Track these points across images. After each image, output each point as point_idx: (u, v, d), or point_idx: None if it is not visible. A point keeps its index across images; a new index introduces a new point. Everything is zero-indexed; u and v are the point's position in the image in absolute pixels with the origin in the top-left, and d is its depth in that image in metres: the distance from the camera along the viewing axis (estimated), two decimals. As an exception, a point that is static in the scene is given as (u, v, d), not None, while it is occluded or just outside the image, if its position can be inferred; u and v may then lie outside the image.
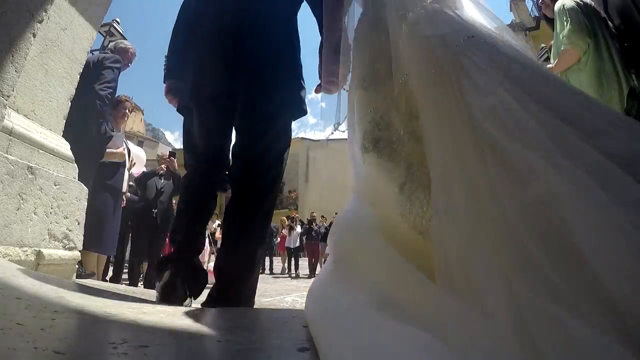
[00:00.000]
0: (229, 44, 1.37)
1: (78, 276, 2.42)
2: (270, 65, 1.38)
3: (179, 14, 1.60)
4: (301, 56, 1.54)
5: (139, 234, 4.30)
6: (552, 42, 2.11)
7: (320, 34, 1.38)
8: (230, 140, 1.49)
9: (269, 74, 1.38)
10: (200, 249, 1.54)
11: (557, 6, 1.98)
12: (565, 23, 1.90)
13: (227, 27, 1.40)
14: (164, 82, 1.57)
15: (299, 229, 10.77)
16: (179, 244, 1.47)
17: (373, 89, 0.95)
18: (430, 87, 0.78)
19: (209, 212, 1.53)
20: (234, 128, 1.46)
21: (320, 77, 1.35)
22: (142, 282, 4.56)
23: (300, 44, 1.53)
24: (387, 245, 0.76)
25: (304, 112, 1.49)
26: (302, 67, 1.53)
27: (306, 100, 1.53)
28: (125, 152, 3.38)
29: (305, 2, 1.55)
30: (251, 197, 1.39)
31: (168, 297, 1.34)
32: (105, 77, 2.46)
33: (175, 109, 1.54)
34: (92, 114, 2.41)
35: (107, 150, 3.04)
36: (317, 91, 1.42)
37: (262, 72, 1.37)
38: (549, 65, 2.16)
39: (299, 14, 1.58)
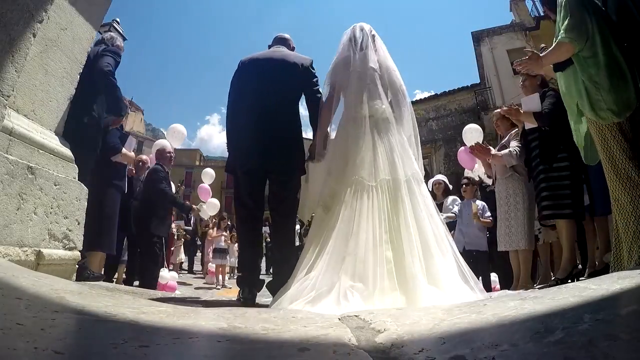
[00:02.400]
0: (259, 136, 2.15)
1: (86, 278, 2.42)
2: (284, 148, 2.19)
3: (227, 105, 2.37)
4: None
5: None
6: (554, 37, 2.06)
7: (312, 127, 2.36)
8: (264, 190, 2.28)
9: (284, 154, 2.20)
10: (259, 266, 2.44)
11: None
12: (566, 15, 1.85)
13: (256, 125, 2.18)
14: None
15: (297, 227, 10.82)
16: (248, 267, 2.25)
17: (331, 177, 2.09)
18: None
19: (260, 239, 2.38)
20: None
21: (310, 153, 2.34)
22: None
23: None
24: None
25: (304, 172, 2.32)
26: (303, 141, 2.32)
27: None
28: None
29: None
30: (280, 223, 2.30)
31: (247, 303, 2.07)
32: (107, 60, 2.53)
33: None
34: (99, 101, 2.56)
35: (125, 152, 3.16)
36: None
37: (279, 153, 2.17)
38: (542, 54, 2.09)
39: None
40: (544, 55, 2.03)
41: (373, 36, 2.27)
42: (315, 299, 1.52)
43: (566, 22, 1.84)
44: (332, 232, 1.81)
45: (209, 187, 7.74)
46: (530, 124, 2.73)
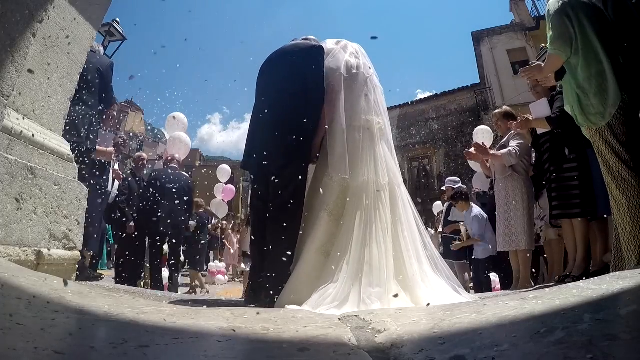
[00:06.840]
0: (259, 136, 2.22)
1: (86, 278, 2.46)
2: (280, 145, 2.08)
3: None
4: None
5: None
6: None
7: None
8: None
9: (280, 152, 2.10)
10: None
11: (547, 7, 1.98)
12: (549, 27, 1.92)
13: (256, 126, 2.28)
14: None
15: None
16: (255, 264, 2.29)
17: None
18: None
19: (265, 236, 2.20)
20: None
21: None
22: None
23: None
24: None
25: (302, 170, 2.16)
26: (307, 137, 2.14)
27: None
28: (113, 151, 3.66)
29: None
30: (273, 221, 2.09)
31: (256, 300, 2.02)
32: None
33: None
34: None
35: (98, 147, 3.17)
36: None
37: (274, 151, 2.10)
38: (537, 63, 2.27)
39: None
40: (543, 67, 2.12)
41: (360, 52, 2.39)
42: (338, 307, 1.63)
43: (550, 35, 1.90)
44: (350, 241, 1.91)
45: (234, 187, 7.87)
46: (543, 129, 2.73)
